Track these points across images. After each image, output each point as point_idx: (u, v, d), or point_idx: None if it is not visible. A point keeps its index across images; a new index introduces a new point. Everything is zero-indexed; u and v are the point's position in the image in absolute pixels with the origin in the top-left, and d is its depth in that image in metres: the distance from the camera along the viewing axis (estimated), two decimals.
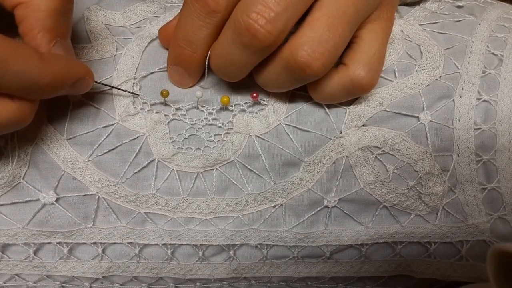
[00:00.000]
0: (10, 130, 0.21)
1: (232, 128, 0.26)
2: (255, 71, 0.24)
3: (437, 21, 0.28)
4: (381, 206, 0.26)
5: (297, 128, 0.26)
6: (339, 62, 0.24)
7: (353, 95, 0.25)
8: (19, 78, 0.19)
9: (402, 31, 0.28)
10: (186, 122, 0.26)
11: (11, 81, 0.19)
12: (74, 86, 0.22)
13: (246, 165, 0.26)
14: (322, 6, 0.22)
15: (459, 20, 0.29)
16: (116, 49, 0.27)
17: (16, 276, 0.27)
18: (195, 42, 0.23)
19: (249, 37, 0.21)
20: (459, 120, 0.26)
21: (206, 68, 0.25)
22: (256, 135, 0.25)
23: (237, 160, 0.25)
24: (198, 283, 0.28)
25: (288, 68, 0.22)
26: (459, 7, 0.30)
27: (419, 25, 0.28)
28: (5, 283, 0.27)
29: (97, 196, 0.25)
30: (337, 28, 0.21)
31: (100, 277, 0.26)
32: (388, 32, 0.25)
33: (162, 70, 0.26)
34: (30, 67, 0.19)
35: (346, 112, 0.26)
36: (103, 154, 0.25)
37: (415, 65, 0.26)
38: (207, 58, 0.24)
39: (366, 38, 0.23)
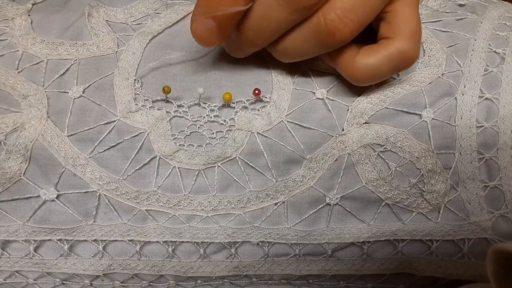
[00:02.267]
0: None
1: (234, 125, 0.25)
2: (276, 39, 0.23)
3: (439, 19, 0.28)
4: (383, 203, 0.26)
5: (299, 125, 0.25)
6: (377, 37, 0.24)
7: (399, 70, 0.24)
8: None
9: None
10: (188, 119, 0.26)
11: None
12: None
13: (248, 162, 0.25)
14: None
15: (461, 18, 0.29)
16: (118, 45, 0.27)
17: (16, 273, 0.27)
18: None
19: None
20: (461, 118, 0.25)
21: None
22: (258, 132, 0.25)
23: (239, 157, 0.25)
24: (199, 281, 0.27)
25: (317, 32, 0.22)
26: (461, 5, 0.30)
27: (421, 23, 0.28)
28: (5, 280, 0.27)
29: (98, 193, 0.25)
30: None
31: (101, 274, 0.26)
32: (418, 4, 0.24)
33: (163, 65, 0.26)
34: None
35: (348, 110, 0.26)
36: (104, 151, 0.25)
37: (418, 62, 0.26)
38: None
39: (402, 11, 0.23)
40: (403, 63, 0.23)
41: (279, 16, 0.22)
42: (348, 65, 0.24)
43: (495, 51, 0.27)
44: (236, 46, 0.25)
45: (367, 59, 0.23)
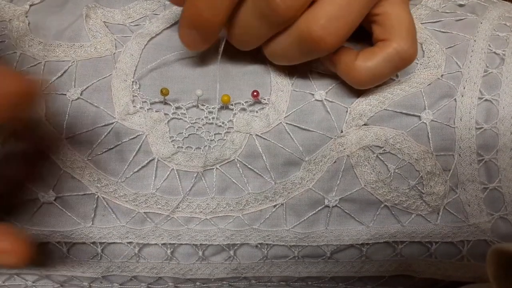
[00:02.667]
0: None
1: (233, 127, 0.25)
2: (265, 42, 0.24)
3: (438, 19, 0.28)
4: (382, 205, 0.26)
5: (298, 127, 0.25)
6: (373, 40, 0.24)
7: (398, 70, 0.24)
8: None
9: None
10: (186, 121, 0.25)
11: None
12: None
13: (247, 164, 0.25)
14: None
15: (461, 19, 0.28)
16: (115, 47, 0.27)
17: (15, 276, 0.27)
18: (217, 7, 0.22)
19: (269, 11, 0.21)
20: (460, 120, 0.25)
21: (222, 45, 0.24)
22: (256, 134, 0.25)
23: (237, 159, 0.25)
24: (198, 283, 0.27)
25: (302, 40, 0.22)
26: (460, 5, 0.30)
27: (421, 23, 0.28)
28: (4, 283, 0.27)
29: (96, 196, 0.25)
30: (354, 4, 0.21)
31: (99, 276, 0.26)
32: (407, 1, 0.25)
33: (165, 62, 0.26)
34: None
35: (347, 111, 0.26)
36: (102, 153, 0.25)
37: (417, 63, 0.26)
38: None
39: (393, 13, 0.23)
40: (403, 63, 0.23)
41: (259, 31, 0.23)
42: (349, 70, 0.24)
43: (494, 52, 0.27)
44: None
45: (367, 63, 0.23)
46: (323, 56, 0.23)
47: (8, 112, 0.17)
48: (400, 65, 0.24)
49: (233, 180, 0.25)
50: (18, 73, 0.20)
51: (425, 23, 0.28)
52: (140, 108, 0.25)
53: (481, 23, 0.28)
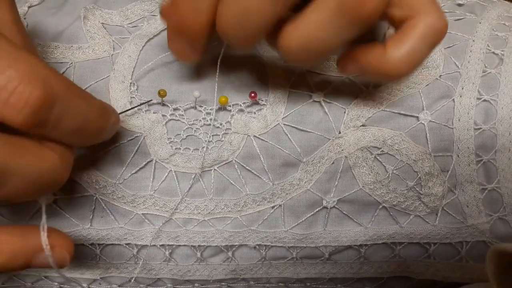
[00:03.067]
0: (47, 186, 0.18)
1: (230, 129, 0.25)
2: (286, 33, 0.20)
3: None
4: (380, 206, 0.26)
5: (296, 128, 0.25)
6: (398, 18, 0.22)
7: (434, 46, 0.21)
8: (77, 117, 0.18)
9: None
10: (184, 122, 0.25)
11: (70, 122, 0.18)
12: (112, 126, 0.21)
13: (245, 165, 0.25)
14: None
15: (460, 19, 0.28)
16: (113, 48, 0.27)
17: (14, 277, 0.27)
18: (198, 4, 0.19)
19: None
20: (459, 120, 0.25)
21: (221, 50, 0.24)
22: (254, 136, 0.25)
23: (235, 160, 0.25)
24: (196, 284, 0.27)
25: (340, 7, 0.18)
26: (459, 5, 0.30)
27: None
28: (3, 284, 0.27)
29: (95, 197, 0.25)
30: None
31: (98, 278, 0.26)
32: None
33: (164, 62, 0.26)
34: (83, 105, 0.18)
35: (345, 112, 0.25)
36: (100, 154, 0.25)
37: None
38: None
39: None
40: (438, 37, 0.21)
41: (263, 7, 0.18)
42: (381, 64, 0.21)
43: (493, 52, 0.27)
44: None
45: (400, 50, 0.21)
46: (363, 28, 0.19)
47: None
48: (436, 40, 0.21)
49: (231, 182, 0.25)
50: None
51: None
52: (138, 109, 0.25)
53: (480, 23, 0.28)
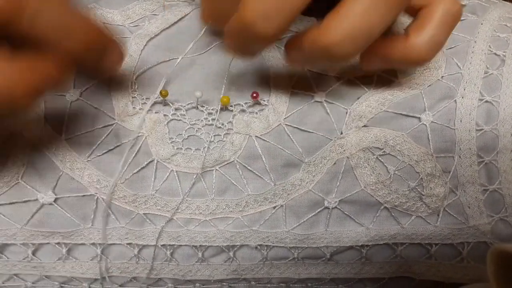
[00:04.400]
0: (46, 91, 0.19)
1: (232, 129, 0.25)
2: (326, 29, 0.20)
3: None
4: (382, 207, 0.26)
5: (298, 128, 0.25)
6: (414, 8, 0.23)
7: (453, 29, 0.23)
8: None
9: (404, 30, 0.27)
10: (185, 122, 0.25)
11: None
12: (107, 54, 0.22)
13: (246, 166, 0.25)
14: None
15: (461, 20, 0.28)
16: None
17: (14, 276, 0.27)
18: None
19: None
20: (461, 121, 0.25)
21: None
22: (256, 136, 0.25)
23: (237, 160, 0.25)
24: (197, 284, 0.27)
25: None
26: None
27: None
28: (3, 283, 0.27)
29: (96, 197, 0.25)
30: None
31: (99, 277, 0.26)
32: None
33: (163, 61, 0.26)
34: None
35: (347, 113, 0.25)
36: (102, 154, 0.25)
37: None
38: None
39: None
40: (454, 21, 0.22)
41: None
42: (406, 51, 0.22)
43: (495, 53, 0.27)
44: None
45: (422, 36, 0.22)
46: (401, 11, 0.21)
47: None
48: (454, 23, 0.22)
49: (233, 182, 0.25)
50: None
51: None
52: (140, 109, 0.25)
53: (482, 24, 0.28)
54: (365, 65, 0.24)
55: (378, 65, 0.24)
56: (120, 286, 0.27)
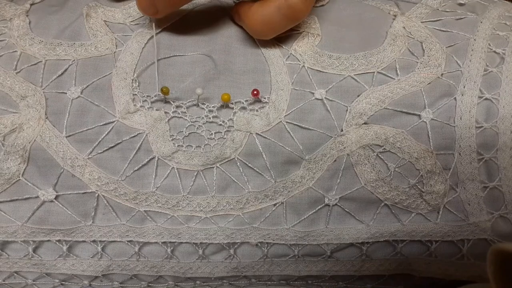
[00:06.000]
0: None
1: (233, 126, 0.25)
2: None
3: (438, 18, 0.28)
4: (382, 204, 0.26)
5: (298, 126, 0.25)
6: None
7: (290, 20, 0.25)
8: None
9: (404, 28, 0.28)
10: (186, 119, 0.25)
11: None
12: None
13: (247, 163, 0.25)
14: None
15: (461, 18, 0.28)
16: (116, 46, 0.27)
17: (15, 274, 0.27)
18: None
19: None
20: (460, 119, 0.25)
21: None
22: (256, 133, 0.25)
23: (237, 158, 0.25)
24: (198, 282, 0.27)
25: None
26: (460, 4, 0.30)
27: (421, 22, 0.28)
28: (4, 281, 0.27)
29: (97, 194, 0.25)
30: None
31: (100, 275, 0.26)
32: None
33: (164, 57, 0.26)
34: None
35: (347, 110, 0.26)
36: (103, 151, 0.25)
37: (417, 62, 0.26)
38: None
39: None
40: (292, 13, 0.24)
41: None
42: (246, 18, 0.26)
43: (494, 51, 0.27)
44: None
45: (260, 11, 0.25)
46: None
47: None
48: (290, 14, 0.25)
49: (233, 179, 0.25)
50: None
51: (425, 22, 0.28)
52: (141, 106, 0.25)
53: (481, 22, 0.28)
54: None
55: (238, 21, 0.28)
56: (121, 283, 0.27)
